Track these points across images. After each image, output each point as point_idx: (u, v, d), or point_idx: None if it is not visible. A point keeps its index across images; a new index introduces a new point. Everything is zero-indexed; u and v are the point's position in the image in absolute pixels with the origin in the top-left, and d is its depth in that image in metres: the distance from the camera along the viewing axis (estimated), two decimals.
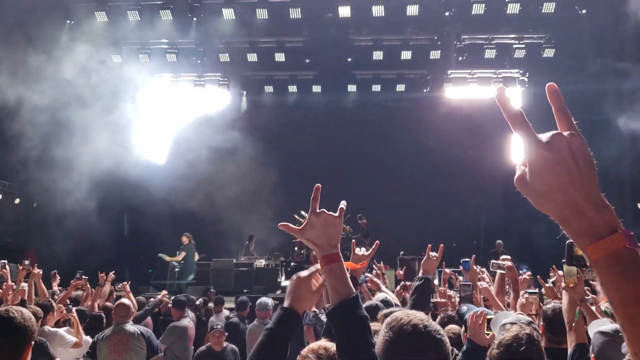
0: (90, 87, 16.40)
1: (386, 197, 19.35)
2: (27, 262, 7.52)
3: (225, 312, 9.76)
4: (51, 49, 16.18)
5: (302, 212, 16.02)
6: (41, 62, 15.71)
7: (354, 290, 1.88)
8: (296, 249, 16.25)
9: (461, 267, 5.07)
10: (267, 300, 8.48)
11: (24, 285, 6.42)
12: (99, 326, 7.18)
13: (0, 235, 18.72)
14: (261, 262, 17.22)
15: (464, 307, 4.39)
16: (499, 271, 5.63)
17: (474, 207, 19.27)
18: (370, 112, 21.50)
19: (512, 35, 18.64)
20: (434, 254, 4.10)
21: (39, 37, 16.14)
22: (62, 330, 6.51)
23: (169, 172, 20.37)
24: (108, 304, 8.22)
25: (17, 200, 19.31)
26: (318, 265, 1.98)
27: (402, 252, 16.79)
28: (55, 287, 8.85)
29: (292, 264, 16.03)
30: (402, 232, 17.63)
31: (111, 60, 18.39)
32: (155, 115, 20.63)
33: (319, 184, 1.94)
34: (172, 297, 9.05)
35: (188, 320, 8.08)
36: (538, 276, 7.52)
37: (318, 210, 1.92)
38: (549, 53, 18.26)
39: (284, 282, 16.62)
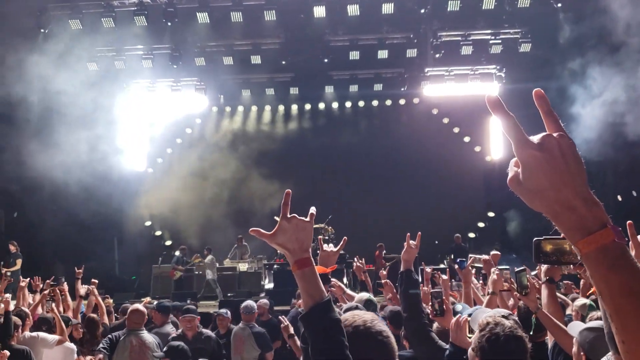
0: (66, 96, 16.20)
1: (366, 196, 19.33)
2: (8, 274, 7.51)
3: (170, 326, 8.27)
4: (25, 59, 15.99)
5: None
6: (15, 71, 15.50)
7: (326, 294, 1.91)
8: (278, 251, 16.17)
9: (456, 266, 5.10)
10: (253, 303, 8.47)
11: (8, 296, 6.42)
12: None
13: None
14: (244, 266, 17.16)
15: (459, 306, 4.42)
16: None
17: (454, 203, 19.34)
18: (347, 112, 21.53)
19: (489, 31, 18.74)
20: (413, 242, 4.12)
21: (12, 46, 15.93)
22: (41, 333, 6.48)
23: (149, 179, 20.29)
24: (92, 315, 8.13)
25: None
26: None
27: (384, 252, 16.84)
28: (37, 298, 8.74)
29: (274, 266, 15.97)
30: (383, 231, 17.63)
31: (87, 68, 18.19)
32: (133, 122, 20.52)
33: (289, 190, 1.96)
34: (156, 302, 8.93)
35: (171, 327, 8.00)
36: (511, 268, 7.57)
37: (289, 215, 1.94)
38: (525, 48, 18.37)
39: (268, 285, 16.57)
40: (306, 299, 1.89)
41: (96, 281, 8.79)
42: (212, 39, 18.90)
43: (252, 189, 19.24)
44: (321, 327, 1.86)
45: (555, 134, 1.09)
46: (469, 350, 2.85)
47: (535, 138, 1.09)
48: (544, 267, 3.91)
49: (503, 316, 3.36)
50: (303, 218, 1.95)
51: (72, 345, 6.86)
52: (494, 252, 5.73)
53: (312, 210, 2.01)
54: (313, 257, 1.97)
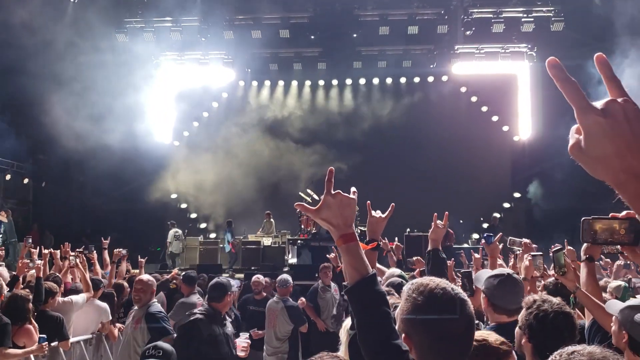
0: (94, 67, 16.35)
1: (391, 173, 19.18)
2: (29, 240, 7.73)
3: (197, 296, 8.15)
4: (54, 29, 16.14)
5: (308, 191, 16.02)
6: (44, 42, 15.67)
7: (371, 268, 1.95)
8: (302, 227, 16.28)
9: (483, 241, 5.08)
10: (288, 277, 8.47)
11: (39, 262, 6.58)
12: (111, 302, 7.27)
13: (11, 214, 18.85)
14: (268, 241, 17.30)
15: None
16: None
17: (480, 183, 19.17)
18: (375, 89, 21.35)
19: (521, 9, 18.40)
20: (440, 222, 4.11)
21: (41, 16, 16.08)
22: (73, 296, 6.69)
23: (175, 152, 20.46)
24: (120, 281, 8.31)
25: (25, 180, 19.42)
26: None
27: (408, 229, 16.80)
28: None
29: (298, 242, 16.05)
30: (408, 209, 17.47)
31: (116, 39, 18.30)
32: (160, 94, 20.67)
33: (332, 168, 2.00)
34: (183, 273, 9.06)
35: (197, 297, 8.10)
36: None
37: (333, 192, 1.97)
38: (557, 27, 18.00)
39: (292, 260, 16.69)
40: (352, 272, 1.92)
41: (126, 254, 8.97)
42: (241, 12, 18.85)
43: (278, 163, 19.29)
44: (367, 300, 1.90)
45: (619, 99, 1.03)
46: (516, 329, 2.85)
47: (599, 103, 1.03)
48: (583, 245, 3.86)
49: (508, 274, 3.43)
50: (347, 195, 1.99)
51: (104, 305, 7.03)
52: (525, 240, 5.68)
53: (354, 189, 2.06)
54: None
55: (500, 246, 5.22)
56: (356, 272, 1.91)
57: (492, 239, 4.99)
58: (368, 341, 1.89)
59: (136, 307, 5.89)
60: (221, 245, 17.58)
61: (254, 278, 8.82)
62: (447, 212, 4.17)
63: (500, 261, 5.77)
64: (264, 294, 8.63)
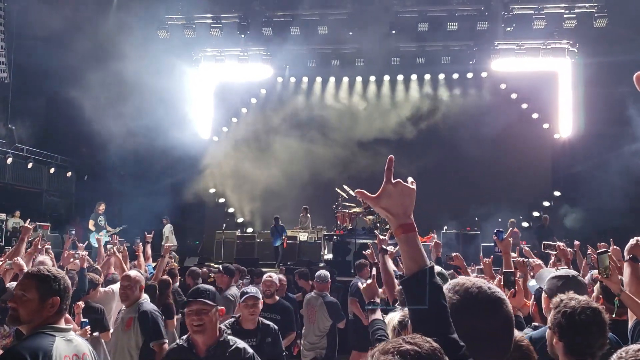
0: (136, 63, 16.63)
1: (428, 170, 18.95)
2: (72, 232, 7.93)
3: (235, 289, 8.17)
4: (98, 26, 16.49)
5: (345, 187, 16.05)
6: (88, 38, 16.02)
7: (429, 260, 1.91)
8: (338, 222, 16.33)
9: (495, 237, 5.05)
10: (327, 272, 8.49)
11: (85, 253, 6.76)
12: (152, 295, 7.41)
13: (55, 207, 19.38)
14: (304, 236, 17.40)
15: (533, 281, 4.41)
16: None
17: (519, 181, 18.92)
18: (413, 85, 21.21)
19: (563, 5, 18.05)
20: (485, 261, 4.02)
21: (85, 13, 16.44)
22: (113, 286, 6.86)
23: (214, 147, 20.71)
24: (165, 277, 8.48)
25: (69, 174, 19.92)
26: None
27: (445, 227, 16.67)
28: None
29: (334, 237, 16.11)
30: (444, 206, 17.38)
31: (157, 35, 18.60)
32: (200, 90, 20.96)
33: (392, 156, 1.96)
34: (221, 266, 9.18)
35: (236, 290, 8.22)
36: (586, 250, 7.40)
37: (394, 181, 1.94)
38: (600, 23, 17.59)
39: (327, 255, 16.75)
40: (410, 263, 1.88)
41: (170, 245, 9.15)
42: (279, 8, 18.95)
43: (315, 159, 19.34)
44: (424, 292, 1.84)
45: None
46: (547, 331, 2.84)
47: None
48: (627, 244, 3.79)
49: (573, 276, 3.46)
50: (408, 184, 1.95)
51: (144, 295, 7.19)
52: (558, 243, 5.61)
53: (411, 179, 2.02)
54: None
55: (516, 240, 5.16)
56: (414, 263, 1.86)
57: (503, 235, 4.95)
58: (425, 335, 1.79)
59: (124, 307, 5.59)
60: (258, 240, 17.75)
61: (265, 277, 7.25)
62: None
63: (539, 260, 5.73)
64: (277, 298, 7.23)
